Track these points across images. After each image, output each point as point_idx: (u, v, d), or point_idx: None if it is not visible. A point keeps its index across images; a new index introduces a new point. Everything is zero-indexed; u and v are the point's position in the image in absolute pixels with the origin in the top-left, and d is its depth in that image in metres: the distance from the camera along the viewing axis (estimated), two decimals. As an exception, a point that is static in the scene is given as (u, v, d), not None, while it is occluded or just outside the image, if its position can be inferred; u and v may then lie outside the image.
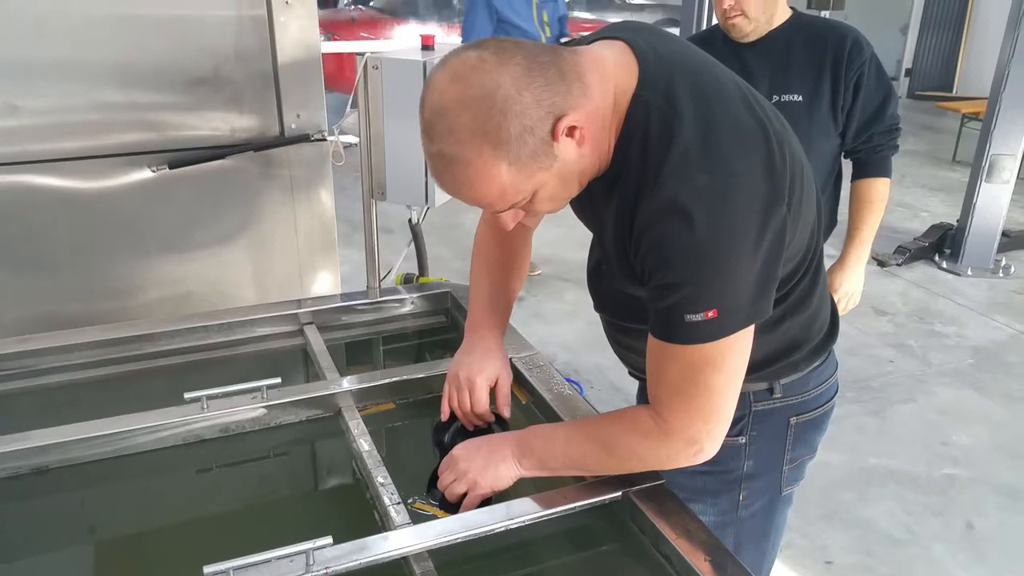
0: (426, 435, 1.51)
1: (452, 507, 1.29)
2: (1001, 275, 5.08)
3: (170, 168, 2.18)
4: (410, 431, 1.64)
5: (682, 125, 1.07)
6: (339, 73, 6.84)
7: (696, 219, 1.03)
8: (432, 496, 1.33)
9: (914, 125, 8.80)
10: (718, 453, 1.20)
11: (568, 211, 1.34)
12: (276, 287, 2.44)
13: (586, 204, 1.26)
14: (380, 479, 1.33)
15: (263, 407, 1.53)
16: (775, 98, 2.14)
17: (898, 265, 5.17)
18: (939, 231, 5.36)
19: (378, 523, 1.29)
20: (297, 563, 1.11)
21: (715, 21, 2.27)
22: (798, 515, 2.74)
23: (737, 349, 1.12)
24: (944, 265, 5.20)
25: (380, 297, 2.02)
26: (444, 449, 1.37)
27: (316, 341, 1.80)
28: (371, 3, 9.49)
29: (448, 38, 7.91)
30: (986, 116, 4.98)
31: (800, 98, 2.14)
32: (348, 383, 1.60)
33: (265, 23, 2.19)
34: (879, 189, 2.28)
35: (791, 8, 2.23)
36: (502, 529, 1.22)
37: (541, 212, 1.23)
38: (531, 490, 1.30)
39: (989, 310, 4.64)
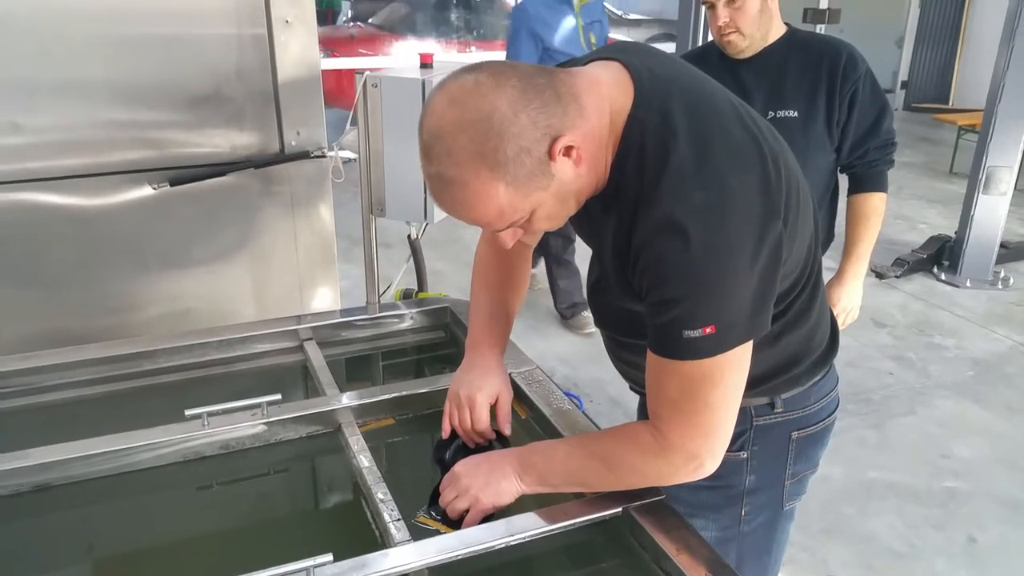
0: (426, 451, 1.52)
1: (454, 523, 1.30)
2: (1000, 287, 5.08)
3: (171, 185, 2.19)
4: (410, 447, 1.64)
5: (677, 143, 1.09)
6: (338, 89, 6.87)
7: (692, 236, 1.04)
8: (434, 511, 1.33)
9: (911, 137, 8.83)
10: (720, 468, 1.20)
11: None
12: (276, 303, 2.44)
13: (585, 221, 1.27)
14: (380, 495, 1.33)
15: (263, 424, 1.54)
16: (771, 114, 2.15)
17: (897, 277, 5.18)
18: (937, 243, 5.37)
19: (378, 540, 1.29)
20: (298, 580, 1.11)
21: (711, 38, 2.28)
22: (799, 529, 2.74)
23: (736, 364, 1.12)
24: (943, 277, 5.21)
25: (380, 313, 2.02)
26: (445, 466, 1.38)
27: (316, 357, 1.81)
28: (370, 20, 9.54)
29: (447, 55, 7.95)
30: (982, 128, 5.00)
31: (796, 114, 2.16)
32: (348, 399, 1.61)
33: (266, 42, 2.20)
34: (875, 204, 2.29)
35: (786, 24, 2.24)
36: (502, 545, 1.22)
37: (539, 230, 1.24)
38: (531, 506, 1.30)
39: (988, 322, 4.65)
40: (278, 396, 1.53)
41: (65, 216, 2.13)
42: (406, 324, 2.03)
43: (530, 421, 1.61)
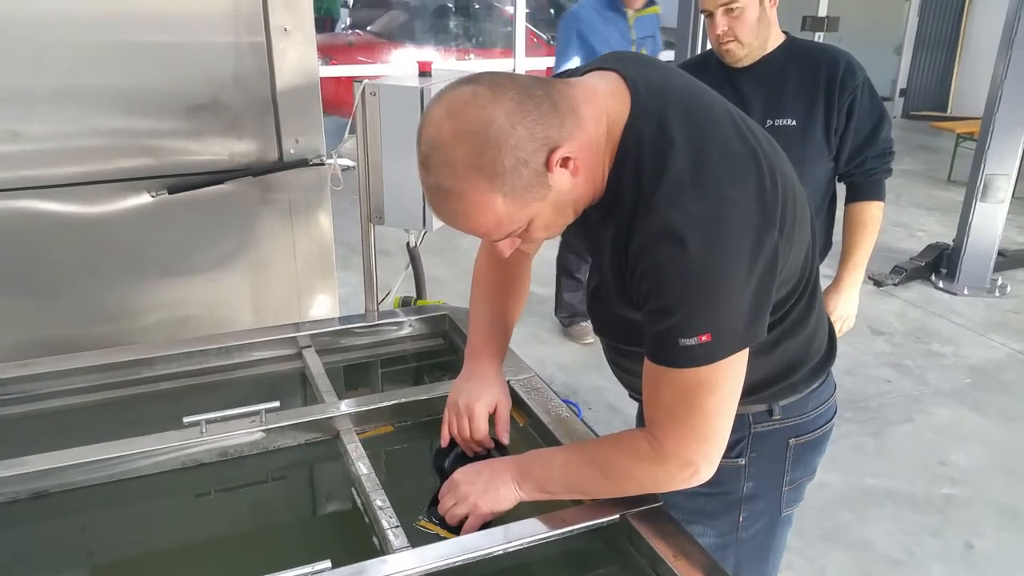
0: (425, 458, 1.52)
1: (453, 528, 1.30)
2: (997, 294, 5.09)
3: (169, 193, 2.19)
4: (409, 454, 1.64)
5: (674, 152, 1.09)
6: (336, 97, 6.88)
7: (689, 244, 1.05)
8: (434, 517, 1.34)
9: (910, 145, 8.85)
10: (718, 474, 1.21)
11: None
12: (274, 310, 2.45)
13: (583, 231, 1.28)
14: (379, 502, 1.33)
15: (261, 431, 1.54)
16: (769, 123, 2.15)
17: (895, 285, 5.19)
18: (935, 251, 5.37)
19: (377, 547, 1.29)
20: (296, 587, 1.11)
21: (709, 46, 2.29)
22: (797, 536, 2.73)
23: (731, 372, 1.13)
24: (940, 285, 5.21)
25: (378, 320, 2.02)
26: (444, 475, 1.38)
27: (314, 364, 1.81)
28: (368, 28, 9.56)
29: (446, 63, 7.97)
30: (980, 136, 5.01)
31: (794, 122, 2.16)
32: (346, 406, 1.61)
33: (264, 50, 2.21)
34: (872, 212, 2.29)
35: (784, 32, 2.25)
36: (500, 552, 1.22)
37: (537, 240, 1.24)
38: (530, 512, 1.30)
39: (985, 329, 4.65)
40: (276, 403, 1.53)
41: (63, 224, 2.13)
42: (405, 331, 2.04)
43: (529, 428, 1.61)
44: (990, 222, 5.04)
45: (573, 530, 1.26)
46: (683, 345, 1.09)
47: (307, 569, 1.10)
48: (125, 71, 2.09)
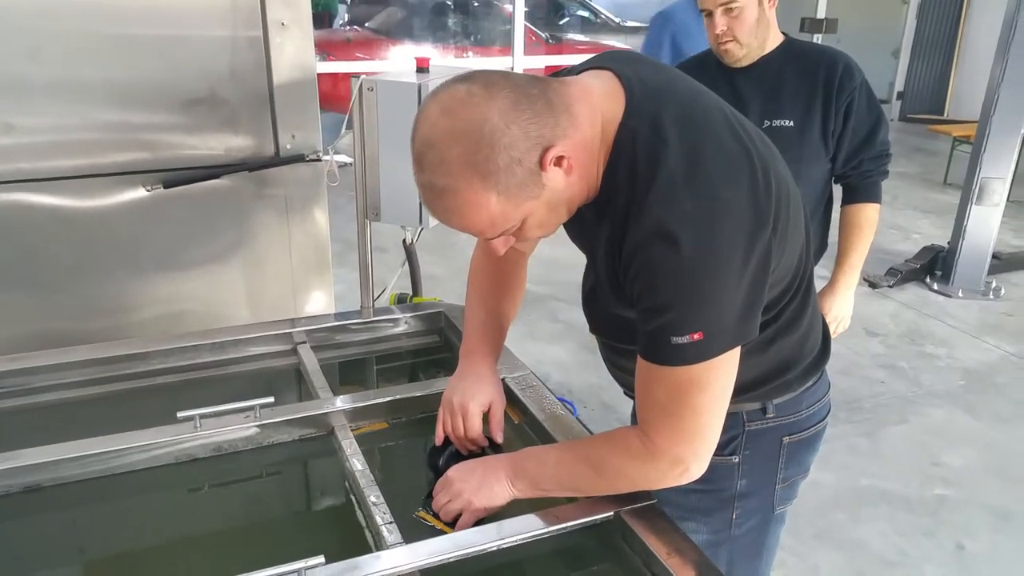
0: (419, 455, 1.52)
1: (450, 522, 1.31)
2: (991, 297, 5.10)
3: (165, 188, 2.18)
4: (403, 451, 1.65)
5: (668, 152, 1.10)
6: (334, 93, 6.87)
7: (682, 243, 1.05)
8: (430, 508, 1.35)
9: (906, 147, 8.86)
10: (711, 472, 1.21)
11: (563, 231, 1.35)
12: (270, 306, 2.44)
13: (578, 229, 1.28)
14: (373, 498, 1.33)
15: (256, 426, 1.53)
16: (766, 123, 2.15)
17: (890, 287, 5.20)
18: (930, 253, 5.38)
19: (370, 543, 1.29)
20: (289, 582, 1.11)
21: (708, 46, 2.29)
22: (790, 535, 2.74)
23: (723, 371, 1.13)
24: (935, 287, 5.22)
25: (374, 317, 2.02)
26: (439, 472, 1.39)
27: (309, 360, 1.81)
28: (366, 24, 9.55)
29: (444, 60, 7.96)
30: (976, 140, 5.02)
31: (791, 123, 2.16)
32: (341, 402, 1.61)
33: (261, 44, 2.20)
34: (868, 215, 2.29)
35: (783, 33, 2.25)
36: (494, 548, 1.22)
37: (532, 238, 1.25)
38: (524, 509, 1.30)
39: (980, 332, 4.66)
40: (271, 399, 1.53)
41: (58, 217, 2.12)
42: (400, 328, 2.04)
43: (523, 426, 1.61)
44: (985, 225, 5.05)
45: (567, 527, 1.27)
46: (675, 343, 1.09)
47: (300, 564, 1.10)
48: (121, 64, 2.08)
